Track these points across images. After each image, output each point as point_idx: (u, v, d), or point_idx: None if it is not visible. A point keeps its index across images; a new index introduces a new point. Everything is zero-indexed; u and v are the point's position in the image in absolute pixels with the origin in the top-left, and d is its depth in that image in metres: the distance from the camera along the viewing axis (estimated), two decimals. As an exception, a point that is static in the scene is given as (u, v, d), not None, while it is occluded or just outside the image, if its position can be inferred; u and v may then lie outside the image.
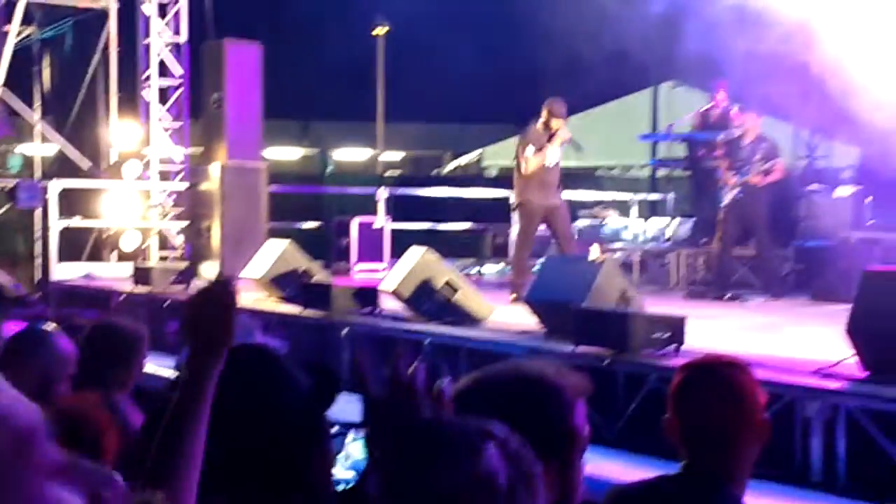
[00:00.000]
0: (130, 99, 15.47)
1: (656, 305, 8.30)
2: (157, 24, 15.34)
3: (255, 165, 12.76)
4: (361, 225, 14.22)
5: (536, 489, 1.53)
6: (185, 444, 1.89)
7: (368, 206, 14.70)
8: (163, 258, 14.77)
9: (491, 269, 15.30)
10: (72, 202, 14.07)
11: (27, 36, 15.92)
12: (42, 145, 16.77)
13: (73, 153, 15.34)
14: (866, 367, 5.69)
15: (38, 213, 13.48)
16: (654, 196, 16.78)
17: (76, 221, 13.98)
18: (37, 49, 16.59)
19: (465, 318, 8.41)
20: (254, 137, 12.81)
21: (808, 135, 14.90)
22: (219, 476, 1.99)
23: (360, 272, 13.75)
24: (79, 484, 1.25)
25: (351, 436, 2.33)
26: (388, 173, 23.43)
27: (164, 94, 15.49)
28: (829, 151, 14.83)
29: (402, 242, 11.46)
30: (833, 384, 5.62)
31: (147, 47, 15.37)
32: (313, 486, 2.09)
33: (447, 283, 8.55)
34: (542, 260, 9.27)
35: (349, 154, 30.55)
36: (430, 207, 16.84)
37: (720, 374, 2.70)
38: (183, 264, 12.67)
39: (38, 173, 16.46)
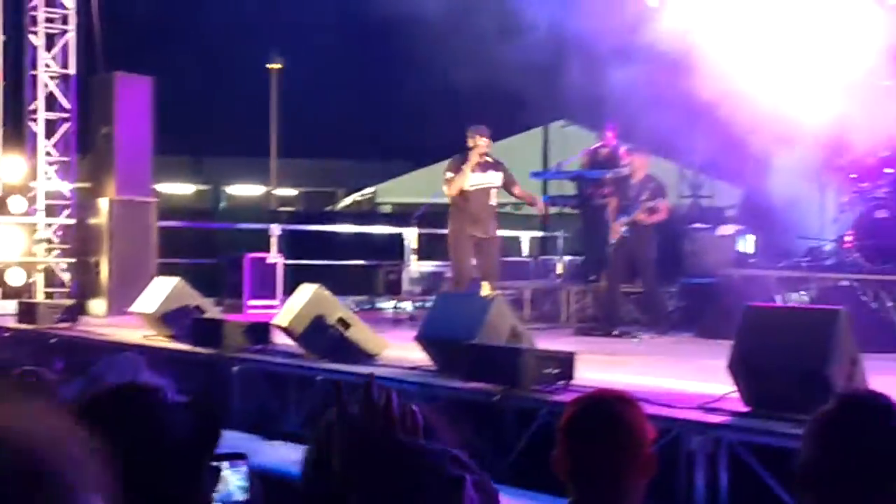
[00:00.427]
0: (16, 132, 15.16)
1: (546, 342, 8.41)
2: (44, 55, 15.08)
3: (145, 200, 12.61)
4: (254, 261, 14.11)
5: None
6: None
7: (262, 243, 14.62)
8: (49, 294, 14.45)
9: (384, 305, 15.31)
10: (-46, 237, 13.70)
11: None
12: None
13: (-44, 187, 14.97)
14: (747, 402, 5.85)
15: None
16: (545, 233, 17.03)
17: (-42, 257, 13.62)
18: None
19: (357, 354, 8.41)
20: (144, 172, 12.66)
21: (694, 174, 15.29)
22: None
23: (253, 308, 13.63)
24: None
25: (226, 469, 2.32)
26: (282, 209, 23.31)
27: (51, 128, 15.22)
28: (713, 191, 15.24)
29: (295, 279, 11.42)
30: (716, 418, 5.76)
31: (34, 79, 15.10)
32: None
33: (340, 320, 8.54)
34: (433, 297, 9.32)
35: (243, 190, 30.32)
36: (323, 244, 16.82)
37: (608, 409, 2.71)
38: (70, 301, 12.42)
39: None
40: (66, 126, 15.19)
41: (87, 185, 13.87)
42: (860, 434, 2.19)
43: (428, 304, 9.45)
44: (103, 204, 12.39)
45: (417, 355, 7.95)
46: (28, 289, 14.34)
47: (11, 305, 12.19)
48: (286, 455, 7.75)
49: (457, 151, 11.18)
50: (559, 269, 13.67)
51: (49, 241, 14.83)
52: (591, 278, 12.74)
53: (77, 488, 1.16)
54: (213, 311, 10.43)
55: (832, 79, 10.23)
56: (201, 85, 22.67)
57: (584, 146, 14.04)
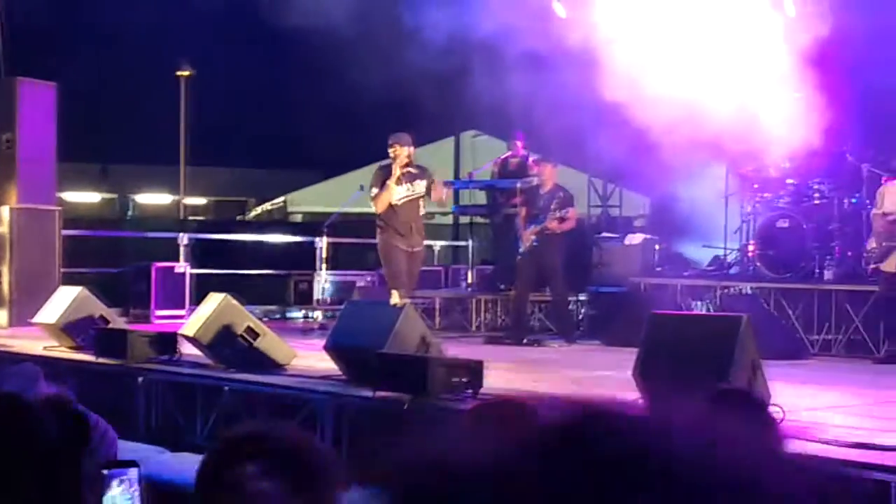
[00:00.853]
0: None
1: (456, 350, 8.43)
2: (-56, 60, 14.71)
3: (48, 209, 12.37)
4: (162, 270, 13.91)
5: None
6: None
7: (171, 252, 14.42)
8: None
9: (295, 315, 15.22)
10: None
11: None
12: None
13: None
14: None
15: None
16: (456, 242, 17.09)
17: None
18: None
19: (266, 363, 8.34)
20: (48, 180, 12.42)
21: (603, 184, 15.48)
22: None
23: (160, 318, 13.43)
24: None
25: (113, 477, 2.29)
26: (192, 218, 23.05)
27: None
28: (622, 201, 15.45)
29: (204, 288, 11.28)
30: (621, 424, 5.82)
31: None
32: None
33: (248, 329, 8.46)
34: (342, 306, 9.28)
35: (151, 198, 29.91)
36: (234, 253, 16.66)
37: (508, 415, 2.76)
38: (-30, 311, 12.11)
39: None
40: (-34, 132, 14.83)
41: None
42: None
43: (338, 314, 9.39)
44: (4, 212, 12.12)
45: (327, 365, 7.92)
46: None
47: None
48: (190, 466, 7.67)
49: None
50: (470, 278, 13.72)
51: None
52: (502, 287, 12.81)
53: None
54: (118, 321, 10.27)
55: (738, 87, 10.44)
56: (109, 92, 22.31)
57: (495, 156, 14.15)
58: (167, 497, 2.93)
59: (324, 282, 13.09)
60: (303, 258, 15.05)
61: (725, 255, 12.48)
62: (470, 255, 13.97)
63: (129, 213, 28.53)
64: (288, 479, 1.82)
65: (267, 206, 29.10)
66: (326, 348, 7.85)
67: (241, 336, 8.40)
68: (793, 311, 10.73)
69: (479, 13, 11.60)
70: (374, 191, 10.47)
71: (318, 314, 13.01)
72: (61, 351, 9.67)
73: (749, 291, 11.49)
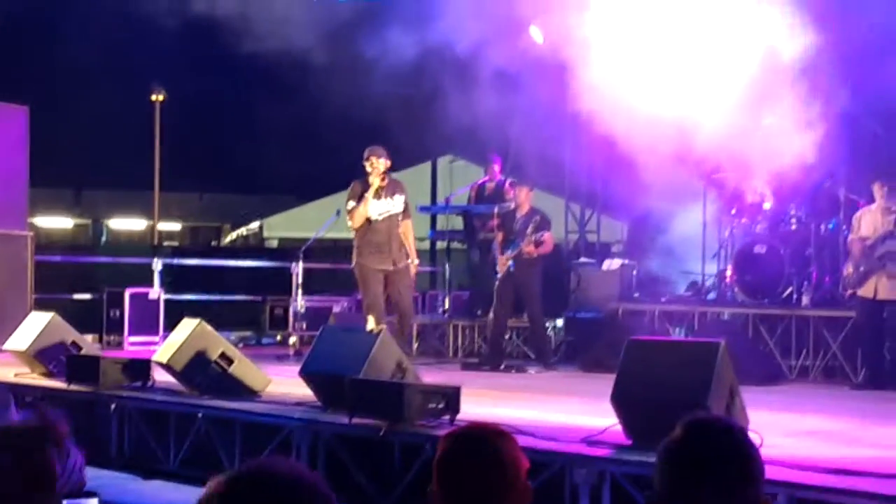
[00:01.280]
0: None
1: (433, 376, 8.36)
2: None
3: (20, 234, 12.25)
4: (135, 296, 13.78)
5: None
6: None
7: (144, 278, 14.30)
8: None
9: (270, 341, 15.10)
10: None
11: None
12: None
13: None
14: (629, 435, 5.88)
15: None
16: (432, 267, 17.03)
17: None
18: None
19: (240, 389, 8.24)
20: (19, 204, 12.32)
21: (580, 210, 15.47)
22: None
23: (134, 344, 13.30)
24: None
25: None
26: (167, 244, 22.92)
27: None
28: (599, 226, 15.43)
29: (179, 314, 11.17)
30: (599, 452, 5.77)
31: None
32: None
33: (222, 355, 8.36)
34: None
35: (124, 224, 29.75)
36: (209, 278, 16.55)
37: (482, 442, 2.72)
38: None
39: None
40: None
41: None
42: (705, 456, 2.28)
43: (314, 339, 9.31)
44: (-24, 237, 12.00)
45: (302, 391, 7.83)
46: None
47: None
48: (163, 495, 7.55)
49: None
50: (446, 303, 13.65)
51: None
52: (479, 313, 12.75)
53: None
54: (90, 347, 10.13)
55: (717, 113, 10.45)
56: (81, 116, 22.18)
57: (472, 180, 14.12)
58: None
59: (300, 307, 13.00)
60: (278, 283, 14.96)
61: (703, 281, 12.47)
62: (447, 281, 13.91)
63: (103, 238, 28.35)
64: None
65: (242, 231, 29.00)
66: (302, 374, 7.76)
67: (215, 362, 8.31)
68: (770, 336, 10.73)
69: (456, 38, 11.60)
70: (351, 204, 10.17)
71: (294, 340, 12.90)
72: (32, 378, 9.53)
73: (727, 317, 11.48)
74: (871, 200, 10.13)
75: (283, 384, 8.57)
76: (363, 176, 10.42)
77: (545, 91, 11.89)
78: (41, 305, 11.71)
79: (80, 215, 29.43)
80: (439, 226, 15.92)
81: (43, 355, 9.69)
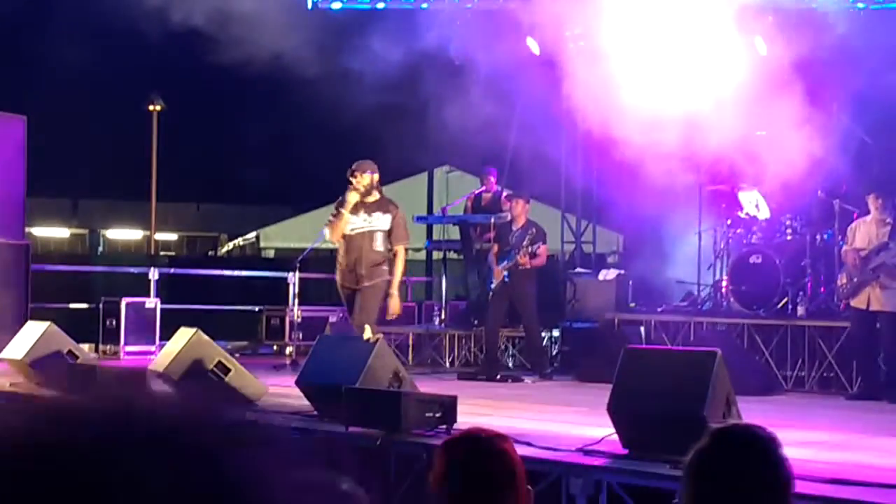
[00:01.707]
0: None
1: (429, 386, 8.36)
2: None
3: (17, 243, 12.25)
4: (132, 305, 13.77)
5: None
6: None
7: (141, 287, 14.30)
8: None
9: (267, 350, 15.09)
10: None
11: None
12: None
13: None
14: (626, 444, 5.89)
15: None
16: (428, 278, 17.04)
17: None
18: None
19: (236, 399, 8.24)
20: (17, 214, 12.31)
21: (576, 220, 15.49)
22: None
23: (130, 354, 13.29)
24: None
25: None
26: (163, 254, 22.92)
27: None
28: (595, 237, 15.45)
29: (175, 324, 11.17)
30: (596, 461, 5.78)
31: None
32: None
33: (219, 364, 8.37)
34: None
35: (121, 234, 29.75)
36: (206, 288, 16.55)
37: (483, 444, 2.74)
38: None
39: None
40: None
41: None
42: (735, 466, 2.24)
43: (310, 349, 9.30)
44: (-28, 247, 12.00)
45: (298, 401, 7.83)
46: None
47: None
48: None
49: (338, 197, 10.70)
50: (443, 313, 13.67)
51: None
52: (475, 323, 12.76)
53: None
54: (86, 356, 10.13)
55: (711, 123, 10.49)
56: (79, 126, 22.21)
57: (468, 191, 14.16)
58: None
59: (296, 317, 13.00)
60: (275, 293, 14.97)
61: (699, 291, 12.49)
62: (443, 291, 13.92)
63: (100, 248, 28.34)
64: None
65: (239, 241, 28.99)
66: (298, 384, 7.77)
67: (212, 371, 8.32)
68: (766, 346, 10.74)
69: (454, 49, 11.64)
70: (330, 217, 9.76)
71: (290, 349, 12.90)
72: (27, 387, 9.53)
73: (722, 327, 11.49)
74: (867, 212, 10.16)
75: (280, 394, 8.57)
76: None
77: (541, 102, 11.93)
78: (38, 315, 11.71)
79: (78, 225, 29.43)
80: (435, 236, 15.94)
81: (38, 365, 9.69)
